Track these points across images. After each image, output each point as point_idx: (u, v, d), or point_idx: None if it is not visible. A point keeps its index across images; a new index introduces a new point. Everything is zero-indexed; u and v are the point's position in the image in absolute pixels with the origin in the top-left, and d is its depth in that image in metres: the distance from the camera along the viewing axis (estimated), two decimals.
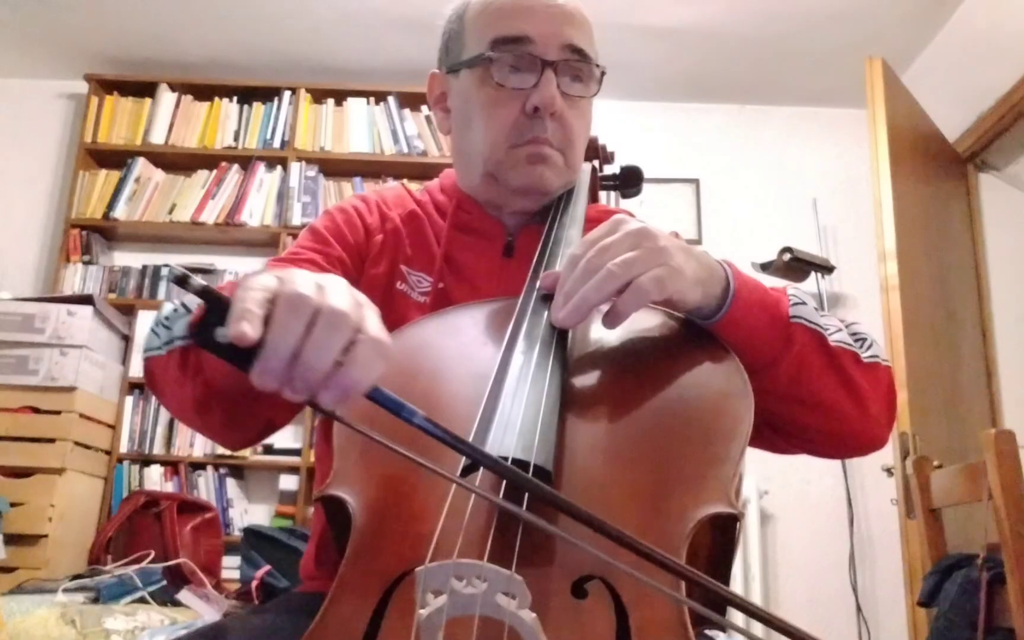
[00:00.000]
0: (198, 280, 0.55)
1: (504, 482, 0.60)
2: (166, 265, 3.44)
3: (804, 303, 0.82)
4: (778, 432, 0.86)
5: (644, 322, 0.80)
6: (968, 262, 3.16)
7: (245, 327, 0.53)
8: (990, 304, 3.16)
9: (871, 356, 0.84)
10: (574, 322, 0.72)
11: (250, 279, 0.58)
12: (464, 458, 0.61)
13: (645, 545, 0.52)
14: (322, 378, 0.55)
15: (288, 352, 0.54)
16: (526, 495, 0.59)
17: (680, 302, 0.74)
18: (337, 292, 0.58)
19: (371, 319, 0.59)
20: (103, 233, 3.51)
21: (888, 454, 2.47)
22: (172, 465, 3.16)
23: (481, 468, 0.61)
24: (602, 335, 0.79)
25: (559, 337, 0.74)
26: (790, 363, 0.79)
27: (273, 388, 0.56)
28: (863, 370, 0.82)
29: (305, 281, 0.57)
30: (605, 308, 0.73)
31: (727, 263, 0.81)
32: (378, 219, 1.01)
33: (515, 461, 0.60)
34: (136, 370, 3.23)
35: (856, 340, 0.84)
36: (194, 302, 0.76)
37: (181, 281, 0.55)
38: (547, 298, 0.78)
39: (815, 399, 0.81)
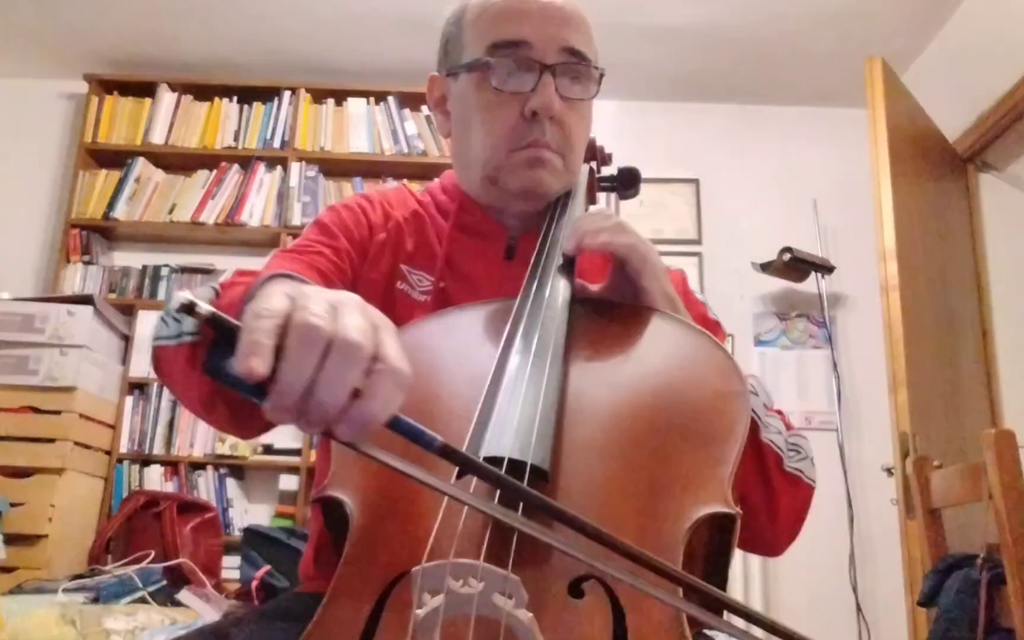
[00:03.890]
0: (205, 307, 0.52)
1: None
2: (166, 265, 3.44)
3: (756, 394, 0.81)
4: None
5: (642, 322, 0.80)
6: (968, 262, 3.15)
7: (255, 363, 0.49)
8: (990, 304, 3.15)
9: (795, 469, 0.84)
10: (569, 248, 0.85)
11: (260, 303, 0.54)
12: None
13: (637, 550, 0.52)
14: (337, 412, 0.51)
15: (300, 388, 0.51)
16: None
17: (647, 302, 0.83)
18: (352, 316, 0.53)
19: (389, 344, 0.54)
20: (103, 233, 3.51)
21: (888, 454, 2.47)
22: (172, 465, 3.16)
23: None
24: (600, 335, 0.79)
25: (557, 335, 0.74)
26: None
27: (288, 422, 0.53)
28: (782, 477, 0.83)
29: (318, 304, 0.53)
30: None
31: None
32: (381, 217, 1.01)
33: (512, 461, 0.60)
34: (136, 370, 3.23)
35: (790, 449, 0.84)
36: (206, 297, 0.73)
37: (188, 309, 0.51)
38: (544, 295, 0.79)
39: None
